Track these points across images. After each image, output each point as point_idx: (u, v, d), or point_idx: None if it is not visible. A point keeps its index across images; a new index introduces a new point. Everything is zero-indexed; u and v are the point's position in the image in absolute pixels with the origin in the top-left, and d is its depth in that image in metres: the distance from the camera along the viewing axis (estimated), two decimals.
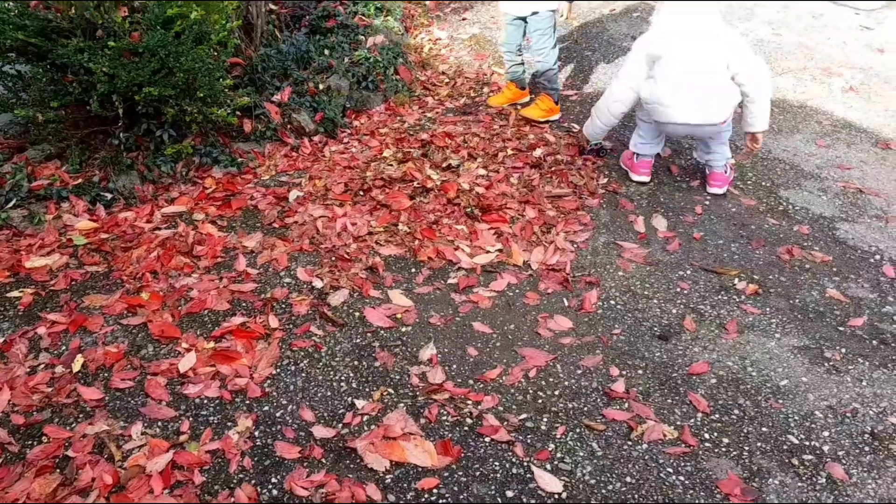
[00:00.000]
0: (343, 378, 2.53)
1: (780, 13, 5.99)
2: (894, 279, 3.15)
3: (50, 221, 3.13)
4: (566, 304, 2.99)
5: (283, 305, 2.82)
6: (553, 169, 3.90)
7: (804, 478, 2.25)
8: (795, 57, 5.25)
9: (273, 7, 4.92)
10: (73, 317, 2.65)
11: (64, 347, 2.55)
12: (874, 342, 2.82)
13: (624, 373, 2.64)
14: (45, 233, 3.07)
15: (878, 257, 3.29)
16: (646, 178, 3.83)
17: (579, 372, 2.63)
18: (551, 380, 2.60)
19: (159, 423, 2.30)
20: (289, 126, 4.05)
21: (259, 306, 2.80)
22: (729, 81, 3.42)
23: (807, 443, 2.38)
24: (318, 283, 2.95)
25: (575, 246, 3.32)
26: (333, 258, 3.12)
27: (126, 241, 3.09)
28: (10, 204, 3.17)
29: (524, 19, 4.24)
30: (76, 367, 2.45)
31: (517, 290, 3.04)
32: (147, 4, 3.43)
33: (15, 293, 2.77)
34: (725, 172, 3.73)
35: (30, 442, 2.20)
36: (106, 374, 2.46)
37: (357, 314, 2.82)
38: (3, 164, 3.41)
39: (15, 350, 2.49)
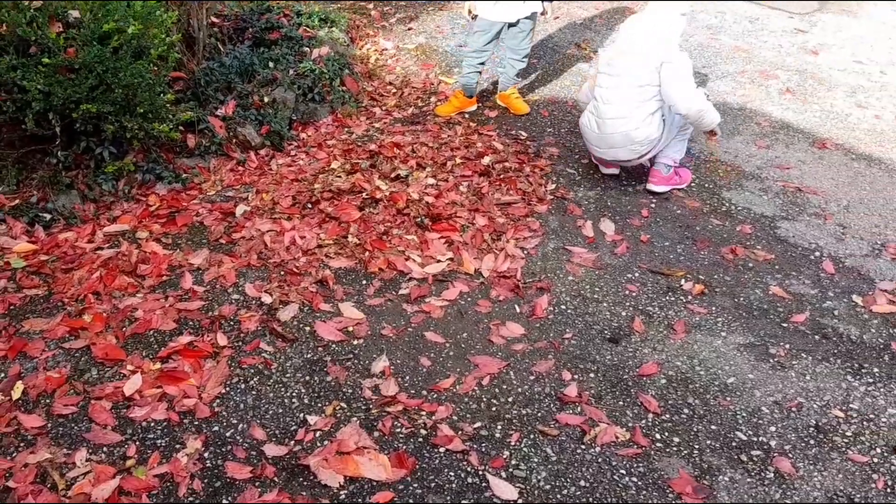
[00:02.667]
0: (294, 394, 2.49)
1: (716, 18, 6.15)
2: (833, 275, 3.25)
3: None
4: (518, 310, 3.00)
5: (232, 322, 2.78)
6: (502, 176, 3.92)
7: (753, 473, 2.30)
8: (734, 61, 5.40)
9: (215, 20, 4.85)
10: (12, 342, 2.56)
11: (2, 374, 2.46)
12: (816, 337, 2.90)
13: (576, 377, 2.67)
14: None
15: (817, 254, 3.39)
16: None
17: (532, 378, 2.65)
18: (505, 387, 2.61)
19: (104, 449, 2.23)
20: (234, 140, 4.00)
21: (206, 324, 2.75)
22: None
23: (755, 439, 2.43)
24: (267, 299, 2.91)
25: (525, 252, 3.35)
26: (282, 272, 3.08)
27: (67, 262, 3.00)
28: None
29: (510, 24, 4.28)
30: (16, 394, 2.36)
31: (469, 299, 3.04)
32: (83, 20, 3.35)
33: None
34: (665, 171, 3.79)
35: None
36: (47, 401, 2.38)
37: (308, 329, 2.79)
38: None
39: None
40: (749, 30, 5.88)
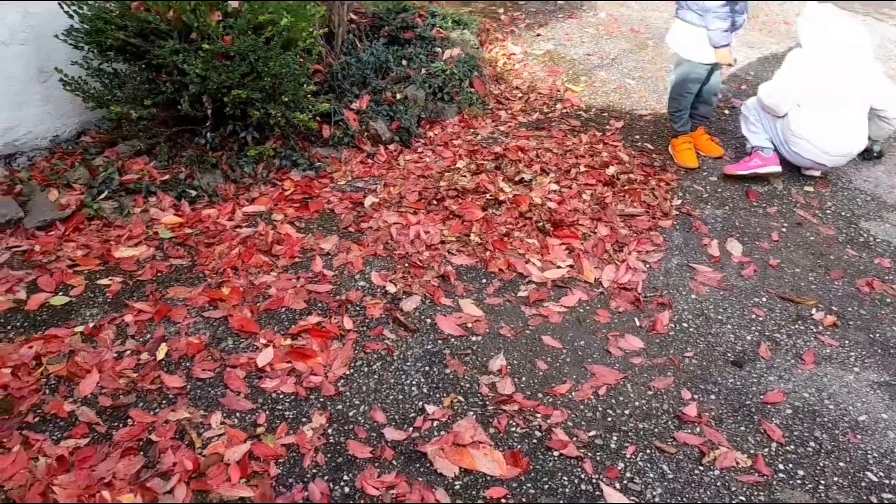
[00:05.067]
0: (414, 382, 2.56)
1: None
2: None
3: (138, 214, 3.26)
4: (637, 323, 2.96)
5: (358, 308, 2.88)
6: (626, 188, 3.88)
7: None
8: None
9: (354, 17, 5.03)
10: (158, 307, 2.76)
11: (149, 335, 2.65)
12: None
13: (696, 397, 2.60)
14: (132, 225, 3.20)
15: None
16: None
17: (650, 393, 2.61)
18: (621, 399, 2.58)
19: (237, 415, 2.37)
20: (365, 133, 4.14)
21: (334, 307, 2.86)
22: None
23: (886, 481, 2.30)
24: (391, 288, 3.00)
25: (647, 266, 3.30)
26: (407, 264, 3.16)
27: (209, 236, 3.20)
28: (102, 196, 3.31)
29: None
30: (160, 354, 2.54)
31: (588, 307, 3.03)
32: (240, 10, 3.55)
33: (104, 281, 2.89)
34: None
35: (116, 424, 2.29)
36: (188, 364, 2.55)
37: (429, 321, 2.85)
38: (95, 158, 3.57)
39: (103, 335, 2.59)
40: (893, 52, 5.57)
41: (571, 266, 3.26)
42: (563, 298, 3.06)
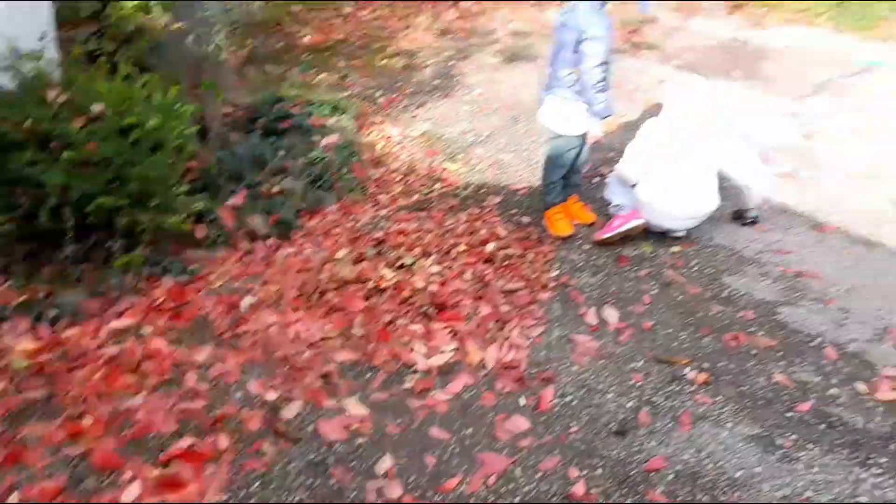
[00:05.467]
0: (297, 500, 2.47)
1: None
2: (836, 361, 3.24)
3: None
4: (523, 402, 2.99)
5: (234, 422, 2.77)
6: (505, 263, 3.96)
7: None
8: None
9: (228, 110, 5.01)
10: (10, 449, 2.54)
11: None
12: (822, 426, 2.87)
13: (583, 473, 2.64)
14: None
15: (819, 340, 3.39)
16: None
17: (538, 476, 2.62)
18: (511, 485, 2.58)
19: None
20: (242, 230, 4.06)
21: (209, 426, 2.74)
22: None
23: None
24: (270, 396, 2.91)
25: (529, 341, 3.35)
26: (286, 367, 3.09)
27: (70, 361, 3.01)
28: None
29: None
30: None
31: (473, 392, 3.04)
32: (105, 113, 3.44)
33: None
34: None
35: None
36: None
37: (311, 427, 2.78)
38: None
39: None
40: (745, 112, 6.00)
41: (456, 349, 3.27)
42: (450, 385, 3.05)
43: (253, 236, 4.09)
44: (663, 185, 4.00)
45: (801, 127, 5.69)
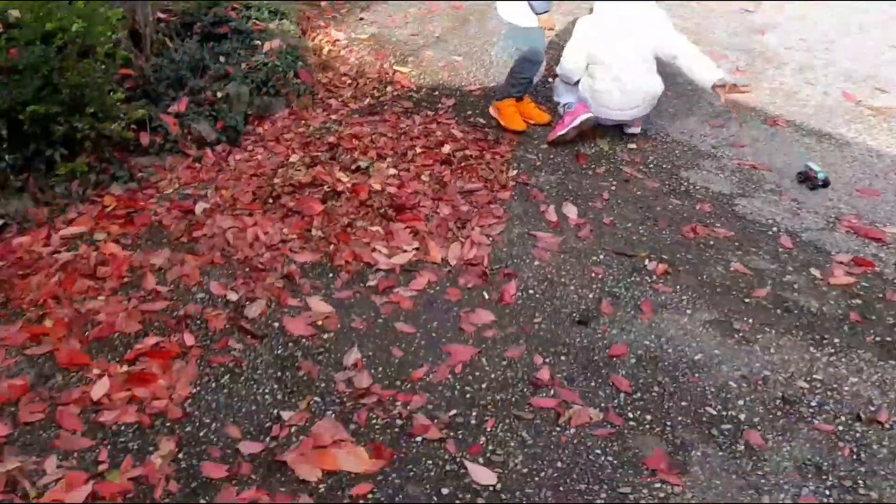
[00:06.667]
0: (267, 391, 2.47)
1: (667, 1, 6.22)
2: (791, 249, 3.33)
3: None
4: (487, 297, 3.01)
5: (199, 322, 2.73)
6: (463, 164, 3.92)
7: (724, 447, 2.35)
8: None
9: (162, 15, 4.73)
10: None
11: None
12: (778, 311, 2.97)
13: (548, 360, 2.69)
14: None
15: (775, 229, 3.47)
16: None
17: (504, 364, 2.67)
18: (478, 374, 2.62)
19: (75, 455, 2.18)
20: (189, 137, 3.91)
21: (172, 325, 2.69)
22: None
23: (724, 413, 2.49)
24: (232, 297, 2.87)
25: (491, 239, 3.35)
26: (247, 269, 3.03)
27: (23, 267, 2.91)
28: None
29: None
30: None
31: (437, 288, 3.04)
32: (23, 20, 3.24)
33: None
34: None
35: None
36: (12, 409, 2.31)
37: (276, 325, 2.76)
38: None
39: None
40: (698, 11, 5.97)
41: (417, 249, 3.26)
42: (413, 283, 3.05)
43: (201, 143, 3.95)
44: (602, 76, 4.03)
45: (753, 23, 5.69)
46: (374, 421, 2.38)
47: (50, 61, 3.17)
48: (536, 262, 3.23)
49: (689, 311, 2.97)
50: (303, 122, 4.33)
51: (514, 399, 2.51)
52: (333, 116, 4.41)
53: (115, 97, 3.54)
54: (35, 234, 3.12)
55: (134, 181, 3.56)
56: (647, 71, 4.07)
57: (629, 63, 4.01)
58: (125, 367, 2.48)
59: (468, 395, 2.52)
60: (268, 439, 2.29)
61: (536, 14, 3.99)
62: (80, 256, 3.00)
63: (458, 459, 2.26)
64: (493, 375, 2.61)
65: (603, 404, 2.50)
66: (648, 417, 2.46)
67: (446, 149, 4.04)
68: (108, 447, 2.22)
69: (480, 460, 2.26)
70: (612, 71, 4.01)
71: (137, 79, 4.07)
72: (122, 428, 2.29)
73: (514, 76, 4.29)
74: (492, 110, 4.43)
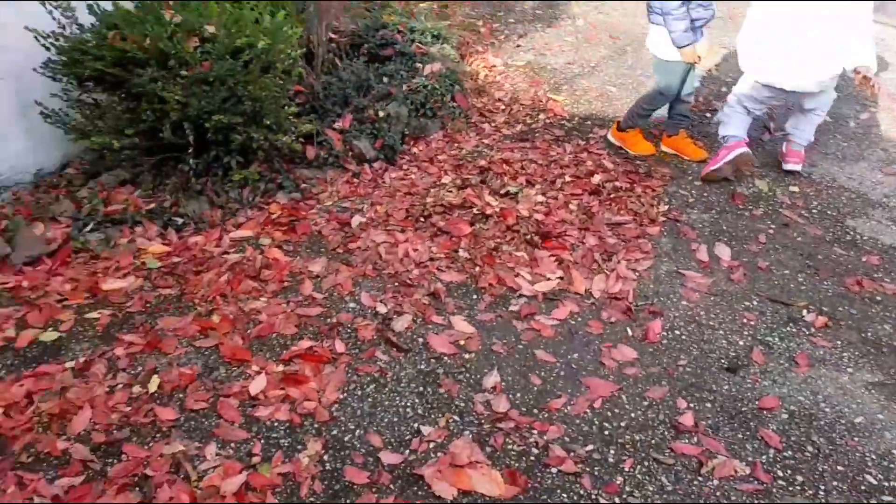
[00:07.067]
0: (409, 404, 2.55)
1: None
2: None
3: (124, 245, 3.23)
4: (630, 333, 2.96)
5: (349, 330, 2.86)
6: (612, 196, 3.89)
7: None
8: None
9: (333, 36, 5.03)
10: (149, 338, 2.73)
11: (140, 368, 2.62)
12: None
13: (692, 405, 2.60)
14: (119, 256, 3.17)
15: None
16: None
17: (645, 403, 2.61)
18: (617, 411, 2.58)
19: (232, 445, 2.34)
20: (350, 153, 4.13)
21: (325, 331, 2.84)
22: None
23: (885, 483, 2.31)
24: (381, 309, 2.99)
25: (637, 274, 3.30)
26: (396, 284, 3.15)
27: (197, 264, 3.17)
28: (88, 228, 3.28)
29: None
30: (152, 387, 2.52)
31: (579, 319, 3.02)
32: (217, 35, 3.54)
33: (93, 314, 2.86)
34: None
35: (110, 460, 2.26)
36: (181, 395, 2.52)
37: (421, 340, 2.84)
38: (79, 190, 3.54)
39: (94, 370, 2.56)
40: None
41: (561, 278, 3.26)
42: (555, 311, 3.05)
43: (360, 159, 4.15)
44: (779, 39, 3.72)
45: None
46: (510, 446, 2.40)
47: (236, 75, 3.44)
48: (684, 303, 3.14)
49: (850, 370, 2.78)
50: (456, 144, 4.45)
51: (654, 441, 2.44)
52: (486, 141, 4.50)
53: (288, 111, 3.80)
54: (208, 234, 3.39)
55: (298, 191, 3.79)
56: (829, 43, 3.65)
57: (806, 33, 3.64)
58: (281, 367, 2.64)
59: (606, 432, 2.48)
60: (407, 451, 2.35)
61: (677, 47, 3.89)
62: (246, 258, 3.23)
63: (592, 496, 2.23)
64: (633, 414, 2.56)
65: (750, 458, 2.39)
66: (800, 478, 2.32)
67: (596, 179, 4.03)
68: (262, 441, 2.37)
69: (616, 500, 2.22)
70: (791, 34, 3.67)
71: (308, 95, 4.35)
72: (275, 424, 2.43)
73: (640, 107, 4.27)
74: (611, 137, 4.43)
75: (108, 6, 3.58)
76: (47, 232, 3.21)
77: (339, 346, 2.76)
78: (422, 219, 3.63)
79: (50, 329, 2.78)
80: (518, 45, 5.90)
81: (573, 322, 3.01)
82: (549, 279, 3.24)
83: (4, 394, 2.43)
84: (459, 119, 4.74)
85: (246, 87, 3.50)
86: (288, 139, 3.74)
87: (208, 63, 3.45)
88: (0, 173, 3.55)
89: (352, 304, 3.01)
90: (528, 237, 3.51)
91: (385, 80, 4.71)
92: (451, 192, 3.87)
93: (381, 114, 4.37)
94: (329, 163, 4.05)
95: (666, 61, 4.02)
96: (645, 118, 4.34)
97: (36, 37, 3.40)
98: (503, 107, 4.99)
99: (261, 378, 2.56)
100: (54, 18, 3.45)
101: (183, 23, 3.51)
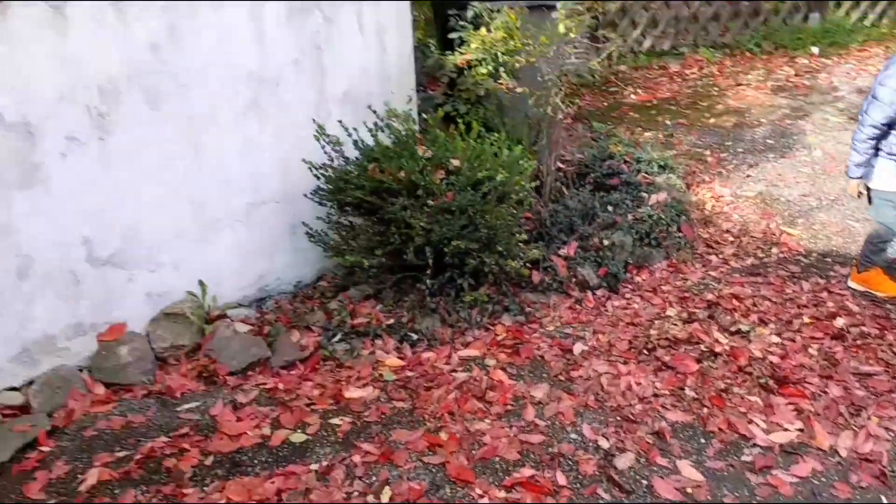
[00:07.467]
0: None
1: None
2: None
3: (365, 356, 3.53)
4: (884, 501, 2.65)
5: (570, 462, 2.85)
6: (858, 342, 3.58)
7: None
8: None
9: (561, 165, 5.27)
10: (383, 449, 2.91)
11: (374, 478, 2.79)
12: None
13: None
14: (361, 366, 3.46)
15: None
16: None
17: None
18: None
19: None
20: (573, 279, 4.22)
21: (546, 460, 2.86)
22: None
23: None
24: (603, 443, 2.95)
25: (892, 434, 2.97)
26: (618, 418, 3.11)
27: (427, 380, 3.37)
28: (336, 338, 3.64)
29: None
30: (384, 498, 2.66)
31: (823, 479, 2.76)
32: (461, 168, 3.88)
33: (336, 420, 3.13)
34: None
35: None
36: None
37: (644, 482, 2.75)
38: (330, 301, 3.96)
39: (334, 474, 2.77)
40: None
41: (801, 430, 3.02)
42: (794, 467, 2.82)
43: (583, 286, 4.22)
44: None
45: None
46: None
47: (476, 204, 3.73)
48: None
49: None
50: (681, 275, 4.39)
51: None
52: (713, 273, 4.39)
53: (518, 238, 4.01)
54: (439, 351, 3.61)
55: (522, 314, 3.93)
56: None
57: None
58: (503, 493, 2.68)
59: None
60: None
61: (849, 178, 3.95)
62: (472, 378, 3.37)
63: None
64: None
65: None
66: None
67: (839, 322, 3.74)
68: None
69: None
70: None
71: (535, 221, 4.57)
72: None
73: (869, 244, 4.02)
74: (852, 284, 4.13)
75: (371, 141, 4.08)
76: (302, 339, 3.60)
77: (561, 479, 2.75)
78: (645, 351, 3.59)
79: (299, 431, 3.07)
80: (748, 176, 5.76)
81: (816, 482, 2.75)
82: (787, 430, 3.02)
83: (258, 488, 2.70)
84: (685, 249, 4.68)
85: (483, 216, 3.76)
86: (516, 264, 3.93)
87: (451, 193, 3.78)
88: (268, 284, 4.09)
89: (573, 435, 3.01)
90: (763, 381, 3.31)
91: (610, 208, 4.81)
92: (676, 325, 3.80)
93: (606, 242, 4.45)
94: (553, 288, 4.17)
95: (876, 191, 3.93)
96: (879, 254, 4.01)
97: (310, 168, 3.96)
98: (731, 238, 4.86)
99: (483, 502, 2.62)
100: (325, 153, 4.00)
101: (433, 157, 3.90)
